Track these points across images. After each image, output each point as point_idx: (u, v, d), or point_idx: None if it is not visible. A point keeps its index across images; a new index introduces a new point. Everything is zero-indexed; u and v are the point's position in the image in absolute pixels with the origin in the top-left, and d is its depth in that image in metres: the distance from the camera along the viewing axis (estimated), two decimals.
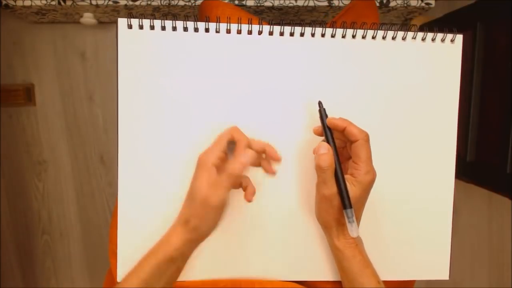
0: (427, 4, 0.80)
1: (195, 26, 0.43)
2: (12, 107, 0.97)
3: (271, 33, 0.43)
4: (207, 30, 0.43)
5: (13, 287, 1.03)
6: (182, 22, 0.42)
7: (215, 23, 0.43)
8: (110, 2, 0.77)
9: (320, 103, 0.42)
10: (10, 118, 0.98)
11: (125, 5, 0.77)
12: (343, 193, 0.39)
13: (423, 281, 0.49)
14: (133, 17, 0.42)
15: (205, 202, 0.38)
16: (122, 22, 0.42)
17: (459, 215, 1.09)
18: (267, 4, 0.78)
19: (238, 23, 0.43)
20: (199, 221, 0.39)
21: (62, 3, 0.77)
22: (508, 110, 0.68)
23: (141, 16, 0.42)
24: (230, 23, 0.43)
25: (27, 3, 0.76)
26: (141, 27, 0.42)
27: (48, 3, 0.76)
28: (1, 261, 1.01)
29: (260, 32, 0.43)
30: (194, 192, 0.39)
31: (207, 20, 0.43)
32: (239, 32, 0.43)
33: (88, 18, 0.83)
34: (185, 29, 0.43)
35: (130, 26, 0.42)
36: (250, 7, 0.79)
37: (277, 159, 0.44)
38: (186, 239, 0.39)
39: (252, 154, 0.39)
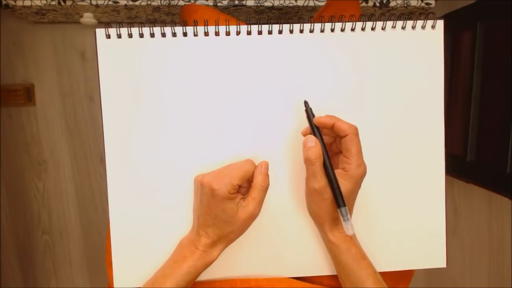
0: (427, 4, 0.80)
1: (173, 31, 0.43)
2: (12, 107, 0.97)
3: (249, 33, 0.43)
4: (185, 34, 0.43)
5: (13, 287, 1.03)
6: (159, 28, 0.43)
7: (192, 27, 0.43)
8: (110, 2, 0.77)
9: (306, 103, 0.42)
10: (10, 118, 0.98)
11: (125, 5, 0.77)
12: (336, 192, 0.39)
13: (422, 280, 0.49)
14: (111, 27, 0.42)
15: (250, 219, 0.41)
16: (100, 32, 0.42)
17: (459, 215, 1.09)
18: (267, 4, 0.78)
19: (215, 25, 0.43)
20: (238, 233, 0.42)
21: (62, 3, 0.77)
22: (508, 110, 0.68)
23: (119, 24, 0.42)
24: (207, 25, 0.43)
25: (27, 3, 0.76)
26: (119, 36, 0.43)
27: (48, 3, 0.76)
28: (1, 261, 1.01)
29: (238, 33, 0.43)
30: (226, 219, 0.40)
31: (184, 24, 0.43)
32: (217, 34, 0.43)
33: (88, 18, 0.83)
34: (163, 35, 0.43)
35: (108, 36, 0.42)
36: (250, 7, 0.79)
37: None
38: (210, 259, 0.41)
39: (267, 164, 0.42)
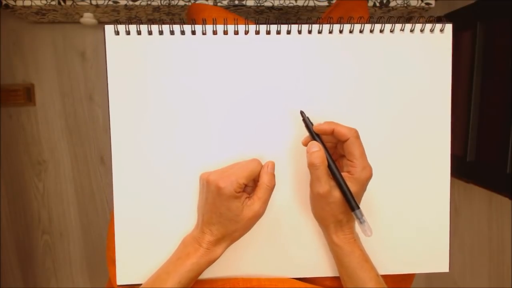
0: (427, 4, 0.80)
1: (182, 29, 0.43)
2: (12, 107, 0.97)
3: (257, 32, 0.43)
4: (193, 32, 0.43)
5: (13, 287, 1.03)
6: (168, 26, 0.42)
7: (201, 25, 0.43)
8: (110, 2, 0.77)
9: (302, 113, 0.42)
10: (10, 118, 0.98)
11: (125, 5, 0.77)
12: (347, 195, 0.39)
13: (422, 280, 0.49)
14: (120, 23, 0.42)
15: (255, 218, 0.41)
16: (109, 28, 0.42)
17: (459, 215, 1.09)
18: (267, 4, 0.78)
19: (224, 24, 0.43)
20: (242, 231, 0.42)
21: (62, 3, 0.77)
22: (508, 110, 0.68)
23: (127, 21, 0.42)
24: (216, 24, 0.43)
25: (27, 3, 0.76)
26: (128, 32, 0.42)
27: (48, 3, 0.76)
28: (1, 261, 1.01)
29: (246, 32, 0.43)
30: (231, 217, 0.40)
31: (193, 22, 0.43)
32: (225, 33, 0.43)
33: (88, 18, 0.83)
34: (172, 32, 0.43)
35: (117, 33, 0.42)
36: (250, 7, 0.79)
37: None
38: (214, 256, 0.41)
39: (273, 164, 0.42)
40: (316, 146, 0.39)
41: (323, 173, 0.39)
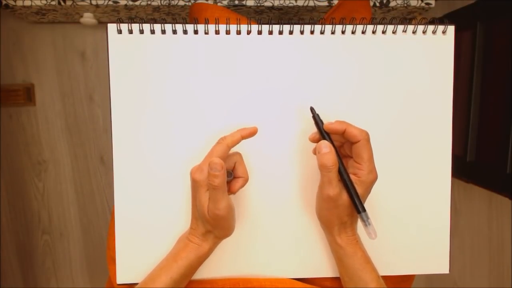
0: (427, 4, 0.80)
1: (184, 29, 0.43)
2: (12, 107, 0.97)
3: (260, 32, 0.43)
4: (196, 32, 0.43)
5: (13, 287, 1.03)
6: (171, 25, 0.42)
7: (203, 25, 0.43)
8: (110, 2, 0.77)
9: (312, 109, 0.41)
10: (10, 118, 0.98)
11: (125, 5, 0.77)
12: (355, 198, 0.38)
13: (422, 280, 0.49)
14: (123, 22, 0.42)
15: (216, 217, 0.38)
16: (111, 27, 0.42)
17: (459, 215, 1.09)
18: (267, 4, 0.78)
19: (226, 24, 0.43)
20: (220, 229, 0.40)
21: (62, 3, 0.77)
22: (508, 110, 0.68)
23: (130, 20, 0.42)
24: (218, 24, 0.43)
25: (27, 3, 0.76)
26: (130, 31, 0.42)
27: (48, 3, 0.76)
28: (1, 261, 1.01)
29: (249, 32, 0.43)
30: (203, 213, 0.39)
31: (196, 22, 0.43)
32: (227, 32, 0.43)
33: (88, 18, 0.83)
34: (174, 31, 0.43)
35: (119, 31, 0.42)
36: (250, 7, 0.79)
37: (255, 132, 0.41)
38: (203, 251, 0.41)
39: (216, 161, 0.37)
40: (327, 146, 0.38)
41: (335, 175, 0.38)
